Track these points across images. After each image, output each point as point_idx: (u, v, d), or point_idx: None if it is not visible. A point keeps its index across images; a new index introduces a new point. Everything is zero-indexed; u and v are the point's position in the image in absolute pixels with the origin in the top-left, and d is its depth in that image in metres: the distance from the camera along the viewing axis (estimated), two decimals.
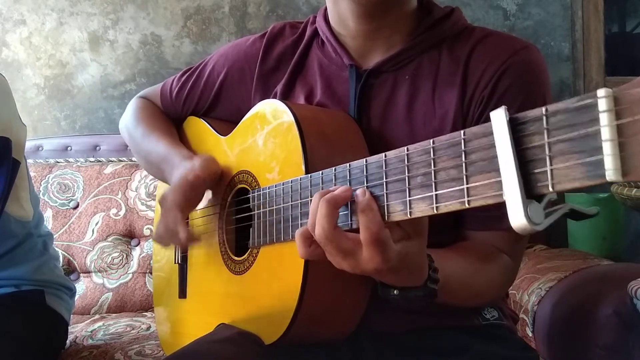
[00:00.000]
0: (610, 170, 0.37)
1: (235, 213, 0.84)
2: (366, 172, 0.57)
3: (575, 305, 1.04)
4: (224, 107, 0.97)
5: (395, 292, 0.62)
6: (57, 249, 1.31)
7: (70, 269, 1.58)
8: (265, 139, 0.79)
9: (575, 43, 1.99)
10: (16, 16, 1.94)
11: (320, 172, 0.63)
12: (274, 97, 0.88)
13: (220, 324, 0.82)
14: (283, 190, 0.70)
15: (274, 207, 0.72)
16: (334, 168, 0.61)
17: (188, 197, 0.83)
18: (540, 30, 1.99)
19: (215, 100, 0.97)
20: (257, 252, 0.77)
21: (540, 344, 1.10)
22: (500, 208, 0.44)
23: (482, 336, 0.79)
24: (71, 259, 1.57)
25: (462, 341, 0.78)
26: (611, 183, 1.63)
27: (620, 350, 0.87)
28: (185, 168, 0.84)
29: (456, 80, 0.78)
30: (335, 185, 0.61)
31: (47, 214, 1.59)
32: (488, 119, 0.45)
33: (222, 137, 0.91)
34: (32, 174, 1.47)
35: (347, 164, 0.59)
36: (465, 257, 0.74)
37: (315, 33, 0.89)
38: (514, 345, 0.83)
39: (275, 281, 0.73)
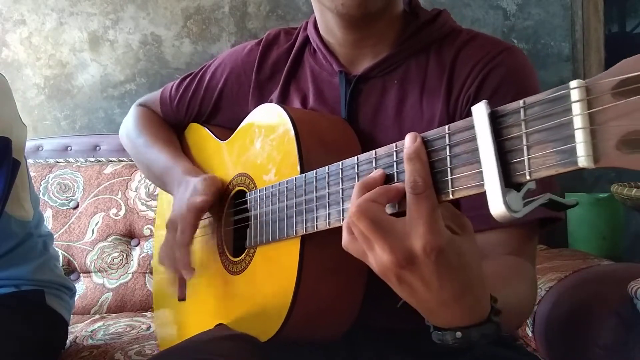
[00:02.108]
0: (583, 157, 0.39)
1: (233, 215, 0.85)
2: (357, 170, 0.57)
3: (575, 305, 1.04)
4: (224, 114, 0.98)
5: (458, 334, 0.51)
6: (57, 249, 1.31)
7: (70, 269, 1.58)
8: (263, 141, 0.80)
9: (575, 43, 1.99)
10: (16, 16, 1.94)
11: (314, 171, 0.64)
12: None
13: (216, 325, 0.83)
14: (279, 190, 0.71)
15: (270, 207, 0.73)
16: (327, 166, 0.62)
17: (196, 225, 0.84)
18: (540, 30, 1.99)
19: (215, 107, 0.99)
20: (254, 252, 0.78)
21: (540, 344, 1.10)
22: None
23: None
24: (71, 259, 1.57)
25: None
26: (611, 183, 1.63)
27: (620, 350, 0.87)
28: (191, 191, 0.84)
29: (442, 83, 0.78)
30: (328, 183, 0.62)
31: (47, 214, 1.59)
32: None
33: (222, 142, 0.92)
34: (32, 174, 1.47)
35: (340, 162, 0.60)
36: (504, 278, 0.66)
37: (308, 40, 0.91)
38: (517, 350, 0.83)
39: (271, 279, 0.74)
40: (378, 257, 0.50)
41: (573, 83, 0.39)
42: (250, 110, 0.88)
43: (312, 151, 0.72)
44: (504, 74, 0.76)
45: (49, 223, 1.57)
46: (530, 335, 1.14)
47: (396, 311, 0.77)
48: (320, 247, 0.69)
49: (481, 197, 0.47)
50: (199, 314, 0.91)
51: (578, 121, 0.39)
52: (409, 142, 0.50)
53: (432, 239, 0.47)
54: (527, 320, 1.15)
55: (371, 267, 0.52)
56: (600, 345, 0.90)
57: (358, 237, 0.51)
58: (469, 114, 0.75)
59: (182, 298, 0.97)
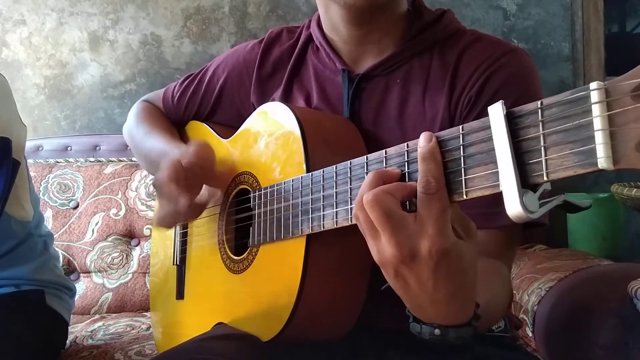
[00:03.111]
0: (602, 158, 0.39)
1: (236, 213, 0.85)
2: (366, 169, 0.57)
3: (575, 305, 1.04)
4: (224, 112, 0.98)
5: (436, 331, 0.53)
6: (57, 249, 1.31)
7: (70, 269, 1.58)
8: (267, 140, 0.79)
9: (575, 43, 1.99)
10: (16, 16, 1.94)
11: (321, 170, 0.64)
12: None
13: (217, 324, 0.82)
14: (284, 189, 0.71)
15: (275, 206, 0.73)
16: (335, 166, 0.62)
17: (180, 174, 0.79)
18: (540, 30, 1.99)
19: (215, 105, 0.99)
20: (257, 250, 0.77)
21: (540, 344, 1.10)
22: (493, 206, 0.45)
23: (485, 340, 0.79)
24: (71, 259, 1.57)
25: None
26: (611, 183, 1.63)
27: (620, 350, 0.87)
28: (177, 152, 0.81)
29: (445, 83, 0.78)
30: (336, 182, 0.61)
31: (47, 214, 1.59)
32: (476, 119, 0.47)
33: (224, 139, 0.92)
34: (32, 174, 1.47)
35: (348, 161, 0.60)
36: (485, 280, 0.63)
37: (310, 38, 0.91)
38: (517, 350, 0.83)
39: (274, 278, 0.74)
40: (381, 248, 0.50)
41: (593, 84, 0.40)
42: (252, 108, 0.88)
43: (318, 150, 0.72)
44: (506, 76, 0.76)
45: (49, 223, 1.57)
46: (530, 335, 1.15)
47: (397, 311, 0.78)
48: (326, 247, 0.69)
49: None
50: (198, 313, 0.91)
51: (598, 122, 0.39)
52: (423, 141, 0.50)
53: (439, 241, 0.48)
54: (527, 320, 1.15)
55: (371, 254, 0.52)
56: (600, 345, 0.90)
57: (363, 225, 0.51)
58: (468, 115, 0.76)
59: (180, 297, 0.97)
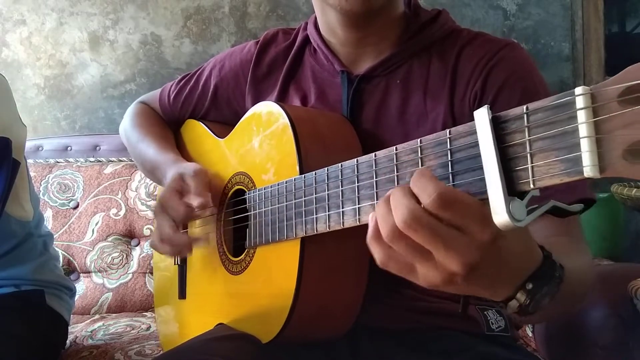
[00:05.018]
0: (588, 166, 0.38)
1: (233, 214, 0.85)
2: (357, 172, 0.57)
3: None
4: (220, 112, 0.99)
5: (529, 285, 0.49)
6: (57, 249, 1.31)
7: (70, 269, 1.58)
8: (261, 140, 0.80)
9: (575, 43, 1.99)
10: (16, 16, 1.94)
11: (314, 172, 0.64)
12: None
13: (218, 324, 0.83)
14: (278, 191, 0.71)
15: (270, 207, 0.73)
16: (326, 168, 0.62)
17: (177, 206, 0.82)
18: (540, 30, 1.99)
19: (211, 105, 0.99)
20: (254, 252, 0.78)
21: (540, 344, 1.10)
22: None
23: (485, 339, 0.79)
24: (71, 259, 1.57)
25: (465, 342, 0.78)
26: (611, 183, 1.63)
27: (620, 350, 0.87)
28: (173, 177, 0.84)
29: (445, 83, 0.79)
30: (327, 185, 0.61)
31: (47, 214, 1.59)
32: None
33: (220, 139, 0.92)
34: (32, 174, 1.47)
35: (339, 164, 0.60)
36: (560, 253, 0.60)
37: (307, 40, 0.91)
38: (517, 350, 0.83)
39: (271, 280, 0.74)
40: (441, 267, 0.45)
41: (578, 90, 0.38)
42: (247, 107, 0.88)
43: (311, 151, 0.72)
44: (509, 68, 0.77)
45: (49, 223, 1.57)
46: (530, 335, 1.15)
47: (396, 311, 0.78)
48: (321, 249, 0.69)
49: None
50: (200, 313, 0.91)
51: (583, 129, 0.38)
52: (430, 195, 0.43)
53: (488, 229, 0.43)
54: None
55: (417, 281, 0.47)
56: (600, 345, 0.90)
57: (407, 254, 0.45)
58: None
59: (182, 296, 0.97)
